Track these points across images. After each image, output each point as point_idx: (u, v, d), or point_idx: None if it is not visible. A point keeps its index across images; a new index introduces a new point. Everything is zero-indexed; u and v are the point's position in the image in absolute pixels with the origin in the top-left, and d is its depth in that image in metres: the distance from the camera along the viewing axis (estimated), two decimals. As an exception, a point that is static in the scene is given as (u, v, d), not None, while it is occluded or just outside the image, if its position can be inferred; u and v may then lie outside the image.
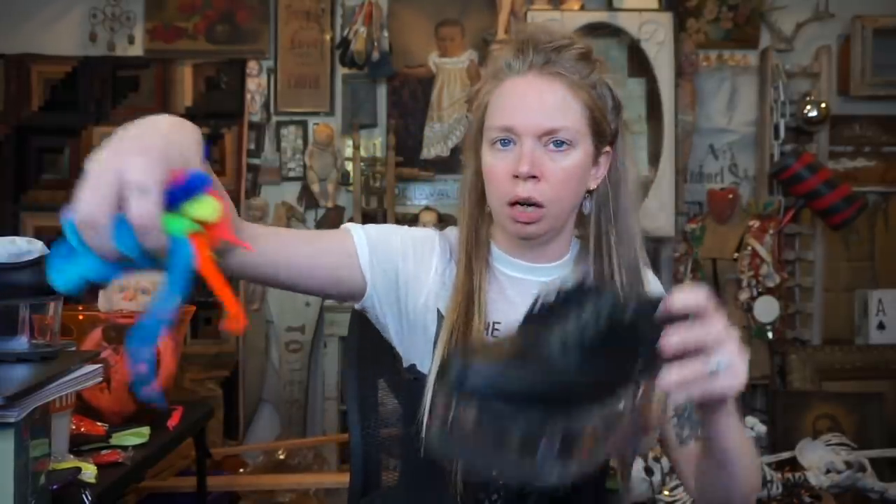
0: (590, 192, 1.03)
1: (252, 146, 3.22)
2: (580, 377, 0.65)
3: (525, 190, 0.96)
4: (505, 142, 0.98)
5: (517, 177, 0.96)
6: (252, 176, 3.22)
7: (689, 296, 0.67)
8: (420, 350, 1.03)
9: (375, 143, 3.22)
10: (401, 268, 1.03)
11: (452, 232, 1.09)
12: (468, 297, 1.00)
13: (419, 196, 3.24)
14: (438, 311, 1.02)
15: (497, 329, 1.01)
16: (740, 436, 0.82)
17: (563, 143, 0.97)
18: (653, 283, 1.10)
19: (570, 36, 1.01)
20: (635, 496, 2.06)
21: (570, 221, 1.06)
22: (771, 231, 2.93)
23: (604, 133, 1.01)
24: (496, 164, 0.99)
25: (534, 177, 0.96)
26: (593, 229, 1.04)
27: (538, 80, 0.98)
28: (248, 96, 3.20)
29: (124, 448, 1.45)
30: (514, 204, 0.97)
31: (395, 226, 1.09)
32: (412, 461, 1.07)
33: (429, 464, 0.98)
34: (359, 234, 1.02)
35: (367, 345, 1.19)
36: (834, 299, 3.23)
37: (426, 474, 1.04)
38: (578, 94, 0.97)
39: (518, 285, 1.05)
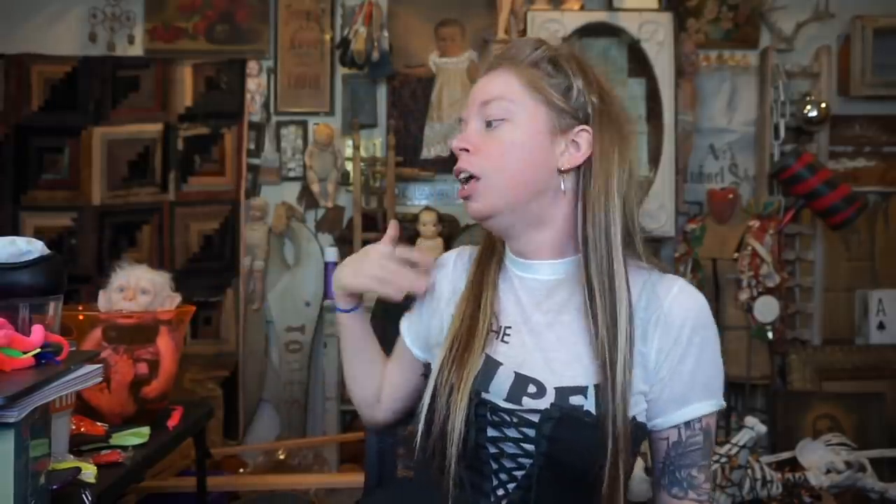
0: (564, 171, 1.00)
1: (252, 146, 3.22)
2: None
3: (459, 163, 1.02)
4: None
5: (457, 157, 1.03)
6: (252, 176, 3.22)
7: None
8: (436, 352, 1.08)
9: (375, 143, 3.22)
10: (428, 324, 1.14)
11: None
12: (475, 304, 1.03)
13: (419, 196, 3.24)
14: (452, 316, 1.06)
15: (508, 334, 1.02)
16: None
17: (500, 119, 1.00)
18: (634, 276, 1.00)
19: (542, 42, 1.04)
20: (635, 496, 2.06)
21: (547, 208, 1.01)
22: (771, 231, 2.93)
23: (562, 109, 0.99)
24: None
25: (466, 150, 1.01)
26: (576, 216, 1.00)
27: (486, 75, 1.05)
28: (248, 96, 3.20)
29: (124, 448, 1.45)
30: (461, 183, 1.03)
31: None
32: (415, 457, 1.09)
33: (427, 459, 0.99)
34: (403, 329, 1.18)
35: (389, 344, 1.21)
36: (834, 299, 3.23)
37: (426, 468, 1.05)
38: (520, 73, 1.01)
39: (525, 285, 1.05)
